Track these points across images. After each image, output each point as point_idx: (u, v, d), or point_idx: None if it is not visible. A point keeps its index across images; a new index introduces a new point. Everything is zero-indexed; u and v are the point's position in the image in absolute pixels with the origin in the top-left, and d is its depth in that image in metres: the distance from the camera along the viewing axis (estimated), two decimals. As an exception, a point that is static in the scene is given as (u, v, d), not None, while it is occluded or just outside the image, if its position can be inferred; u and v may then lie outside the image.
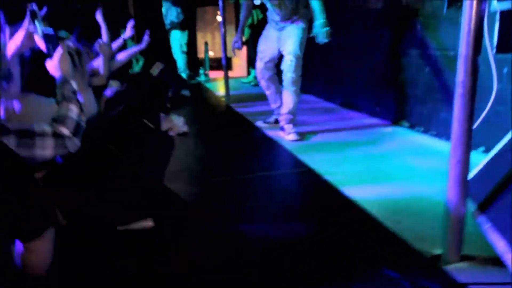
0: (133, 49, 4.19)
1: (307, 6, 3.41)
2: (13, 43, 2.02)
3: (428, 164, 2.55)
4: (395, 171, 2.49)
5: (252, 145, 3.30)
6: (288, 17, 3.42)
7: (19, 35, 2.04)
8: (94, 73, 3.38)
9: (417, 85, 3.46)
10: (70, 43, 2.15)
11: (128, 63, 5.82)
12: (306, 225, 1.82)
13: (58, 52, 1.81)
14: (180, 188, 2.25)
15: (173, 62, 6.56)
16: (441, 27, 3.11)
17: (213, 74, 8.60)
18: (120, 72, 4.26)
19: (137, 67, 6.40)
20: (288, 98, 3.43)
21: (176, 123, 3.59)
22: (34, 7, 2.03)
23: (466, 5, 1.35)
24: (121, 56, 4.01)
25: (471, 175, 1.60)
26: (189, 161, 2.85)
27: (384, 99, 3.92)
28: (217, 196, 2.22)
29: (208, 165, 2.82)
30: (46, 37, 1.89)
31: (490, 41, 1.72)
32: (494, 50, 1.71)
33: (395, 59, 3.73)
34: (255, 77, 6.49)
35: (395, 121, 3.75)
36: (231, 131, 3.69)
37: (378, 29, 3.95)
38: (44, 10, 2.75)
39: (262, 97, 5.19)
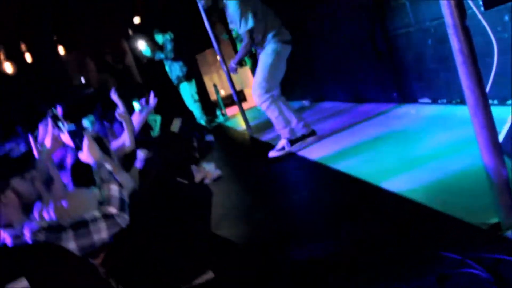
0: (143, 112, 4.28)
1: (276, 24, 3.59)
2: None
3: (459, 135, 2.50)
4: (429, 151, 2.46)
5: (286, 169, 3.33)
6: (258, 43, 3.61)
7: (47, 141, 2.22)
8: (122, 147, 3.56)
9: (426, 60, 3.43)
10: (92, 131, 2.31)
11: (148, 127, 6.05)
12: (362, 228, 1.84)
13: (86, 143, 1.97)
14: (232, 232, 2.32)
15: (189, 113, 6.78)
16: (430, -2, 3.11)
17: (230, 111, 8.78)
18: (143, 138, 4.43)
19: (156, 128, 6.64)
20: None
21: (208, 170, 3.69)
22: (55, 111, 2.22)
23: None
24: (135, 122, 4.16)
25: (502, 134, 1.58)
26: (231, 203, 2.92)
27: (398, 82, 3.90)
28: (270, 228, 2.27)
29: (250, 201, 2.88)
30: (71, 134, 2.05)
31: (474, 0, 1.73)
32: (482, 8, 1.72)
33: (396, 41, 3.72)
34: (269, 102, 6.62)
35: (416, 100, 3.71)
36: (261, 162, 3.74)
37: (370, 16, 3.96)
38: (60, 111, 2.97)
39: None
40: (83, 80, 9.13)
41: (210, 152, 4.96)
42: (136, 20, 9.62)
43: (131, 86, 9.44)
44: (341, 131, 3.73)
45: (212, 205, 2.60)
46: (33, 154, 2.02)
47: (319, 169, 2.95)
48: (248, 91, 10.40)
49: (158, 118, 6.72)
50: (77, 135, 2.03)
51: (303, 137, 3.63)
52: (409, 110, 3.59)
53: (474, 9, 1.63)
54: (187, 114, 6.55)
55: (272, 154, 3.63)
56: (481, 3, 1.72)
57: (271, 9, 3.67)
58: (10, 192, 1.68)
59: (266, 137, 4.65)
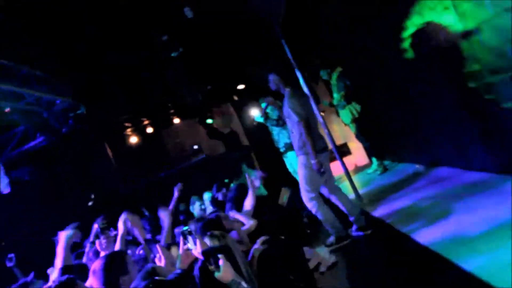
0: (250, 195, 4.39)
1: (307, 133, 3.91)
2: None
3: None
4: None
5: (406, 260, 3.12)
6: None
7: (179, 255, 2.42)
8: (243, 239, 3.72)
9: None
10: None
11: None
12: None
13: (222, 263, 2.10)
14: None
15: (295, 181, 6.79)
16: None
17: (335, 167, 8.59)
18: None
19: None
20: None
21: (323, 256, 3.63)
22: (191, 227, 2.42)
23: None
24: (248, 204, 4.29)
25: None
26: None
27: None
28: None
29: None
30: (204, 254, 2.20)
31: None
32: None
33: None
34: (379, 165, 6.39)
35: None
36: (378, 246, 3.58)
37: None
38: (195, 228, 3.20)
39: (394, 188, 5.03)
40: (195, 146, 9.88)
41: (318, 227, 4.90)
42: (241, 86, 10.26)
43: (239, 150, 9.93)
44: (462, 210, 3.39)
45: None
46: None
47: (441, 264, 2.71)
48: (352, 144, 10.19)
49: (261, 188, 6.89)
50: (210, 255, 2.16)
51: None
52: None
53: None
54: (293, 183, 6.57)
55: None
56: None
57: (313, 124, 4.10)
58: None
59: (379, 210, 4.44)
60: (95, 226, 3.38)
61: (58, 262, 3.03)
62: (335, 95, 6.35)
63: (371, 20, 5.45)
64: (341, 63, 6.83)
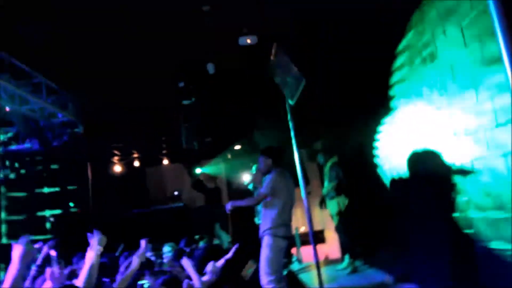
0: (220, 262, 4.28)
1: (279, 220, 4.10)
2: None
3: None
4: None
5: None
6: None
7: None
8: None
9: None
10: None
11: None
12: None
13: None
14: None
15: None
16: None
17: (306, 252, 8.47)
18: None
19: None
20: None
21: None
22: (149, 279, 2.36)
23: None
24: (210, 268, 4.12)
25: None
26: None
27: None
28: None
29: None
30: None
31: None
32: None
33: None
34: (350, 263, 6.30)
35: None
36: None
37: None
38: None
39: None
40: (176, 192, 9.76)
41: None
42: (237, 146, 10.37)
43: (217, 208, 9.82)
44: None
45: None
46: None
47: None
48: (328, 233, 10.09)
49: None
50: None
51: None
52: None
53: None
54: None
55: None
56: None
57: (289, 210, 4.30)
58: None
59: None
60: (52, 253, 3.15)
61: (6, 284, 2.80)
62: (326, 184, 6.42)
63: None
64: (339, 152, 6.96)
